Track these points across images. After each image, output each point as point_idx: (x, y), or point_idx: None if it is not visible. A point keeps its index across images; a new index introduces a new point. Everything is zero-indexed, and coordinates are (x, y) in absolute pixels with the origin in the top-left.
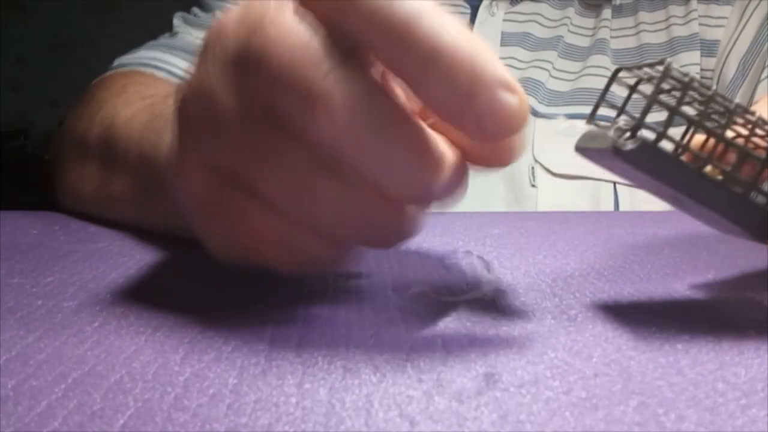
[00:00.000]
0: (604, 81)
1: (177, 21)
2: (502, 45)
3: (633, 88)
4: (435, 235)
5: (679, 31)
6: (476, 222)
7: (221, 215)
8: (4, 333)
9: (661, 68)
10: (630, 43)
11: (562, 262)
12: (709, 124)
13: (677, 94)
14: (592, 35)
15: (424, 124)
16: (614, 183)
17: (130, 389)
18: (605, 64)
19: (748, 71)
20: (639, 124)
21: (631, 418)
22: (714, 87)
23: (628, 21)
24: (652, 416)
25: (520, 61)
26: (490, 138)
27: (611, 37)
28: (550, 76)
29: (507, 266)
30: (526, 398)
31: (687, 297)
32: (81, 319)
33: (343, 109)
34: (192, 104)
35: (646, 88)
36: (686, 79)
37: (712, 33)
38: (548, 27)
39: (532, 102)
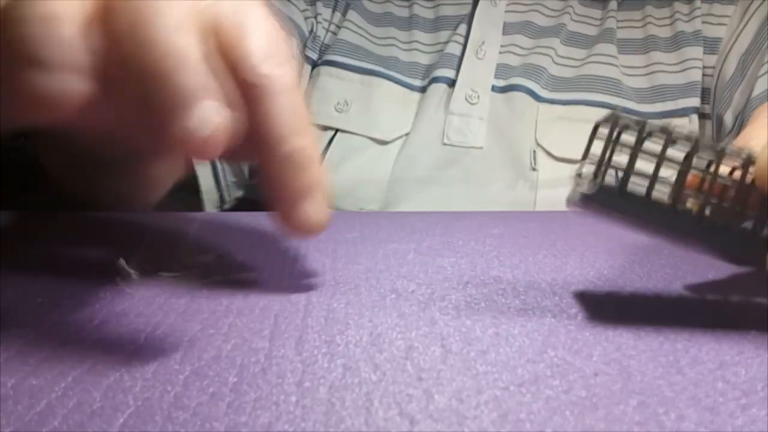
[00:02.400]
0: (610, 68)
1: None
2: (504, 33)
3: (615, 141)
4: (435, 234)
5: (684, 27)
6: (476, 222)
7: None
8: (4, 332)
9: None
10: (636, 34)
11: (562, 262)
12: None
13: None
14: (599, 25)
15: None
16: (616, 169)
17: (130, 388)
18: (611, 52)
19: (747, 69)
20: (600, 167)
21: (631, 417)
22: (713, 84)
23: (635, 14)
24: (652, 415)
25: (522, 47)
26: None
27: (618, 27)
28: (554, 62)
29: (507, 265)
30: (526, 397)
31: (687, 297)
32: (81, 318)
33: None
34: None
35: (628, 138)
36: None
37: (714, 31)
38: (550, 16)
39: (534, 87)
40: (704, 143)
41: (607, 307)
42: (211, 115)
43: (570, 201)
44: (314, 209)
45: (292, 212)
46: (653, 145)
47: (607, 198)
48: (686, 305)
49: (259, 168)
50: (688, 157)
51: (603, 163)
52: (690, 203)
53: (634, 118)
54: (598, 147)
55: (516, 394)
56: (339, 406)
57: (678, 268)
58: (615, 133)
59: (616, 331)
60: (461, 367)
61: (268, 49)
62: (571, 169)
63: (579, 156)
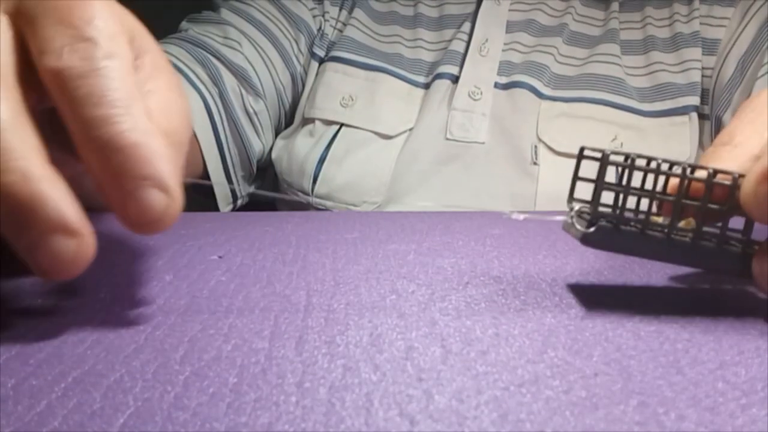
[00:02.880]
0: (613, 67)
1: (183, 23)
2: (507, 32)
3: (602, 180)
4: (435, 235)
5: (682, 28)
6: (476, 222)
7: None
8: (4, 332)
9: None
10: (637, 35)
11: (562, 262)
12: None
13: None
14: (602, 25)
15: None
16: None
17: (130, 388)
18: (615, 52)
19: (746, 71)
20: (595, 210)
21: (631, 417)
22: (712, 86)
23: (635, 15)
24: (652, 415)
25: (525, 45)
26: (133, 223)
27: (620, 28)
28: (556, 60)
29: (507, 266)
30: (526, 397)
31: (687, 297)
32: (81, 318)
33: None
34: None
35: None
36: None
37: (713, 32)
38: (553, 15)
39: (537, 84)
40: (690, 171)
41: (607, 308)
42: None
43: (566, 230)
44: (156, 197)
45: (129, 203)
46: (643, 174)
47: (604, 237)
48: (686, 305)
49: (84, 162)
50: (680, 188)
51: (596, 204)
52: (683, 223)
53: (621, 154)
54: (588, 169)
55: (516, 395)
56: (339, 406)
57: (678, 268)
58: (604, 173)
59: (616, 332)
60: (461, 367)
61: (63, 35)
62: (572, 165)
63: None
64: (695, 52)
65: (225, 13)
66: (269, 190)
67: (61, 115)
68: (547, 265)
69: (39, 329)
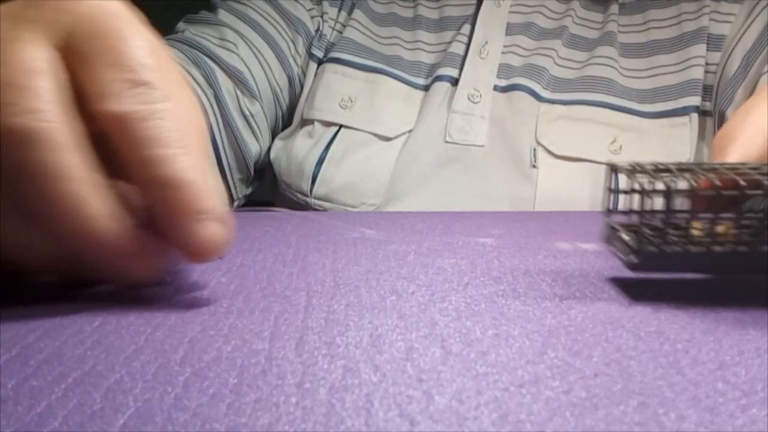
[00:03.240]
0: (610, 70)
1: (180, 23)
2: (506, 34)
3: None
4: (435, 235)
5: (689, 26)
6: (476, 222)
7: None
8: (4, 333)
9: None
10: (638, 38)
11: (563, 262)
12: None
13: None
14: (600, 28)
15: (99, 191)
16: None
17: (130, 389)
18: (612, 55)
19: (751, 66)
20: (640, 243)
21: (632, 417)
22: (716, 81)
23: (636, 18)
24: (652, 416)
25: (524, 48)
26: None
27: (619, 31)
28: (555, 63)
29: (507, 266)
30: (526, 398)
31: (687, 297)
32: (81, 319)
33: (15, 150)
34: None
35: (643, 180)
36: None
37: (719, 28)
38: (552, 18)
39: (536, 87)
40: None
41: (607, 308)
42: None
43: (608, 247)
44: (212, 229)
45: (187, 236)
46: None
47: (650, 262)
48: (686, 305)
49: (143, 197)
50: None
51: (640, 235)
52: (722, 229)
53: (650, 167)
54: (624, 181)
55: (516, 395)
56: (339, 407)
57: None
58: (645, 204)
59: (616, 332)
60: (461, 368)
61: (121, 79)
62: (571, 169)
63: (578, 154)
64: (700, 49)
65: (222, 14)
66: (268, 190)
67: (119, 153)
68: (547, 265)
69: (39, 330)
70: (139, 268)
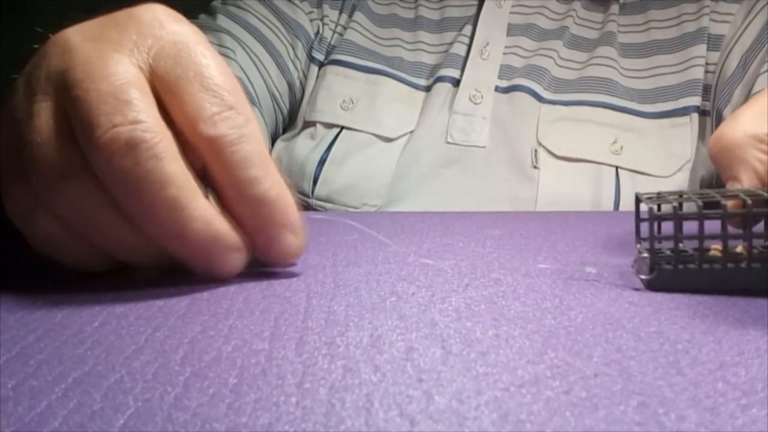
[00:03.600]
0: (611, 71)
1: None
2: (508, 35)
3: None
4: (436, 236)
5: (690, 27)
6: (476, 223)
7: (28, 222)
8: (4, 333)
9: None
10: (639, 39)
11: (563, 263)
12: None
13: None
14: (600, 28)
15: (190, 194)
16: (616, 167)
17: (130, 389)
18: (612, 55)
19: (749, 67)
20: (653, 257)
21: (632, 418)
22: (714, 80)
23: (637, 18)
24: (652, 416)
25: (525, 49)
26: (273, 259)
27: (619, 31)
28: (556, 64)
29: (507, 267)
30: (526, 398)
31: (687, 297)
32: (81, 319)
33: (120, 159)
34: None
35: (666, 208)
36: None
37: (718, 28)
38: (554, 19)
39: (537, 88)
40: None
41: (607, 308)
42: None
43: (633, 269)
44: (293, 240)
45: (273, 245)
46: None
47: (666, 278)
48: (686, 305)
49: (228, 210)
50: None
51: (654, 254)
52: (740, 249)
53: (671, 198)
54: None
55: (516, 395)
56: (339, 407)
57: None
58: (656, 227)
59: (616, 333)
60: (461, 368)
61: (213, 104)
62: (572, 169)
63: (579, 155)
64: (700, 49)
65: (220, 19)
66: None
67: (209, 170)
68: (548, 266)
69: (39, 330)
70: (225, 265)
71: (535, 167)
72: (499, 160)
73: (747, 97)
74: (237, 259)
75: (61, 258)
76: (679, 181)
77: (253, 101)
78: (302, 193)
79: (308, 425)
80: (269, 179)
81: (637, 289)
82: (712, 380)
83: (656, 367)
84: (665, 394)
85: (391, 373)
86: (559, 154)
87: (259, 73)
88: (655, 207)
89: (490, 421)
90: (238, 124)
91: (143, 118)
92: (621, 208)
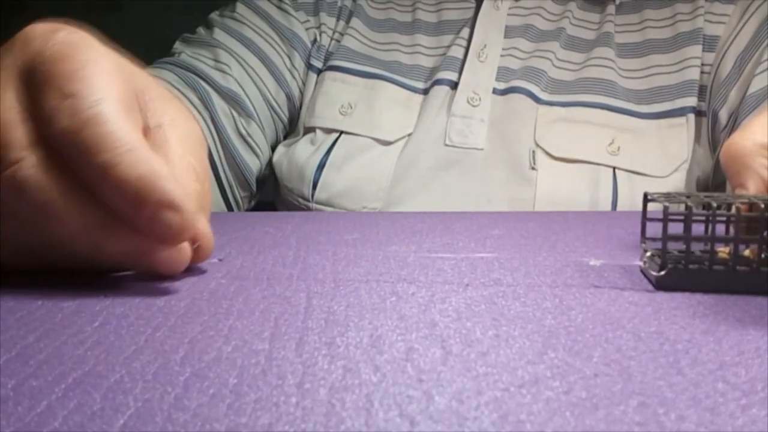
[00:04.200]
0: (608, 71)
1: (177, 43)
2: (505, 37)
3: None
4: (436, 236)
5: (684, 27)
6: (476, 223)
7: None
8: (4, 333)
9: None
10: (634, 38)
11: (563, 264)
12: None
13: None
14: (597, 29)
15: None
16: (614, 168)
17: (130, 389)
18: (609, 56)
19: (744, 67)
20: (664, 255)
21: (632, 418)
22: (710, 81)
23: (633, 18)
24: (652, 416)
25: (522, 51)
26: (159, 241)
27: (615, 31)
28: (553, 65)
29: (507, 267)
30: (526, 398)
31: (687, 297)
32: (81, 319)
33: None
34: None
35: (675, 207)
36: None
37: (713, 29)
38: (550, 20)
39: (534, 89)
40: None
41: (606, 309)
42: None
43: (645, 266)
44: (172, 216)
45: (153, 226)
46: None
47: (676, 278)
48: (686, 305)
49: (108, 204)
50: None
51: (664, 254)
52: (748, 252)
53: (682, 199)
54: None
55: (516, 396)
56: (339, 407)
57: None
58: (667, 227)
59: (616, 333)
60: (461, 368)
61: (51, 98)
62: (570, 170)
63: (576, 156)
64: (695, 50)
65: (217, 33)
66: (270, 194)
67: (76, 171)
68: (547, 266)
69: (39, 330)
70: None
71: (533, 168)
72: (497, 162)
73: (742, 98)
74: (173, 218)
75: None
76: (676, 182)
77: (250, 115)
78: (302, 197)
79: (308, 425)
80: (129, 157)
81: (637, 289)
82: (712, 380)
83: (656, 367)
84: (665, 394)
85: (391, 373)
86: (556, 155)
87: (256, 86)
88: (668, 206)
89: (490, 421)
90: (80, 108)
91: (21, 155)
92: (618, 209)
